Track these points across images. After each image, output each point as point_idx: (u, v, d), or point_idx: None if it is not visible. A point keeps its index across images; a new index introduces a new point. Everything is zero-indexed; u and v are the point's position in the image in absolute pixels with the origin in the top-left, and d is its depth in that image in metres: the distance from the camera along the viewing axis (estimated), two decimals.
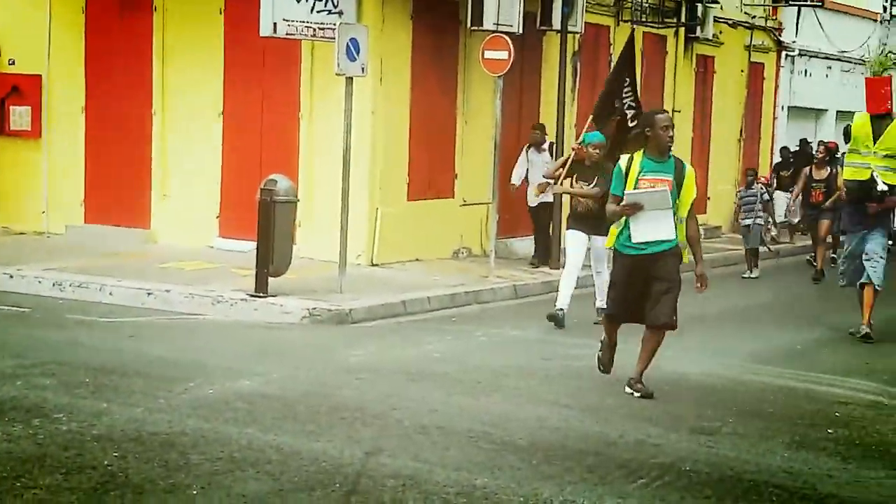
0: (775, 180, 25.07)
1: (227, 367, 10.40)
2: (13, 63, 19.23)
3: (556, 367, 11.18)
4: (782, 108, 28.92)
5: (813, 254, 20.40)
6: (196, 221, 17.90)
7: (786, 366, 11.80)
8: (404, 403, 9.31)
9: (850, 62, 31.42)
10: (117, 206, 18.57)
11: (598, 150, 13.55)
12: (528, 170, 18.11)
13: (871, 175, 13.34)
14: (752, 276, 19.48)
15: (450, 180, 18.54)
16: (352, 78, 14.50)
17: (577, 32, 19.38)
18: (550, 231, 18.13)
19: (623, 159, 10.06)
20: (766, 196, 20.17)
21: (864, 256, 13.63)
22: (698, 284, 9.90)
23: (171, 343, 11.73)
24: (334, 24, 14.99)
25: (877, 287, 13.52)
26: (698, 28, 23.98)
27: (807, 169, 20.39)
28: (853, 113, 32.77)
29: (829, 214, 19.14)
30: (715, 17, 24.27)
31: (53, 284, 14.34)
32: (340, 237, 14.41)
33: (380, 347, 11.92)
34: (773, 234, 21.54)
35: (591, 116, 14.81)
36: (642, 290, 9.86)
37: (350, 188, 14.57)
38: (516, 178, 18.21)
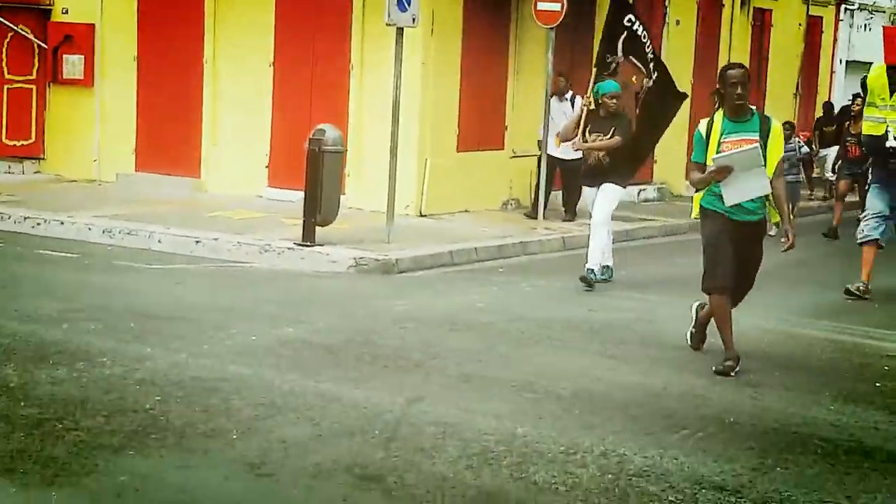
0: (818, 137, 24.52)
1: (272, 315, 10.41)
2: (66, 12, 19.28)
3: (601, 319, 11.10)
4: (840, 62, 28.51)
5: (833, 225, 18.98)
6: (245, 171, 17.91)
7: (834, 320, 11.66)
8: (447, 353, 9.28)
9: None
10: (168, 155, 18.62)
11: (614, 100, 13.02)
12: (550, 119, 16.93)
13: (886, 130, 12.65)
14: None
15: (500, 132, 18.40)
16: (402, 29, 14.40)
17: None
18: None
19: (702, 123, 9.40)
20: (804, 151, 19.45)
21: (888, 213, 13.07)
22: (785, 239, 9.45)
23: (217, 290, 11.76)
24: None
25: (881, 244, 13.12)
26: None
27: (846, 124, 19.81)
28: None
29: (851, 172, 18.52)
30: None
31: (103, 231, 14.41)
32: (389, 187, 14.35)
33: (425, 297, 11.88)
34: (812, 192, 21.05)
35: (594, 68, 14.00)
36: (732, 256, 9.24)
37: (399, 139, 14.51)
38: (540, 129, 17.50)
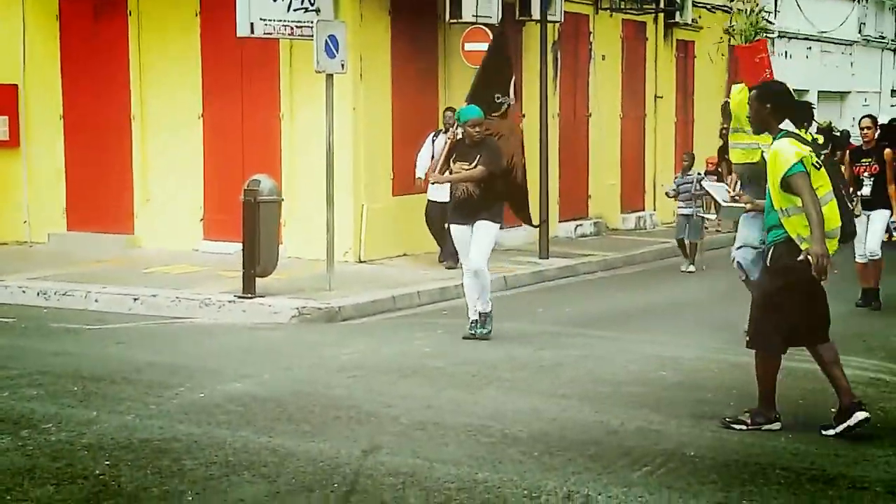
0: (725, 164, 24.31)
1: (218, 370, 10.24)
2: None
3: (549, 358, 11.03)
4: None
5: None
6: (180, 225, 17.72)
7: None
8: (398, 400, 9.16)
9: (831, 42, 31.42)
10: (100, 213, 18.38)
11: (476, 128, 11.89)
12: (433, 158, 15.26)
13: (762, 156, 11.03)
14: (688, 270, 17.62)
15: None
16: (332, 75, 14.35)
17: (556, 22, 19.23)
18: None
19: (792, 152, 8.14)
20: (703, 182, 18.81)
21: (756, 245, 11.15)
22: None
23: (160, 348, 11.55)
24: (312, 22, 14.81)
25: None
26: (677, 13, 23.88)
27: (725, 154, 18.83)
28: (835, 93, 32.89)
29: None
30: (693, 1, 24.17)
31: (38, 293, 14.15)
32: (327, 235, 14.26)
33: (370, 344, 11.75)
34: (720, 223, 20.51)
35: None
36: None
37: (335, 185, 14.42)
38: (420, 171, 16.37)
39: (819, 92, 31.23)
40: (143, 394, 9.20)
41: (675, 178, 18.73)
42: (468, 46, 16.85)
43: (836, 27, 31.15)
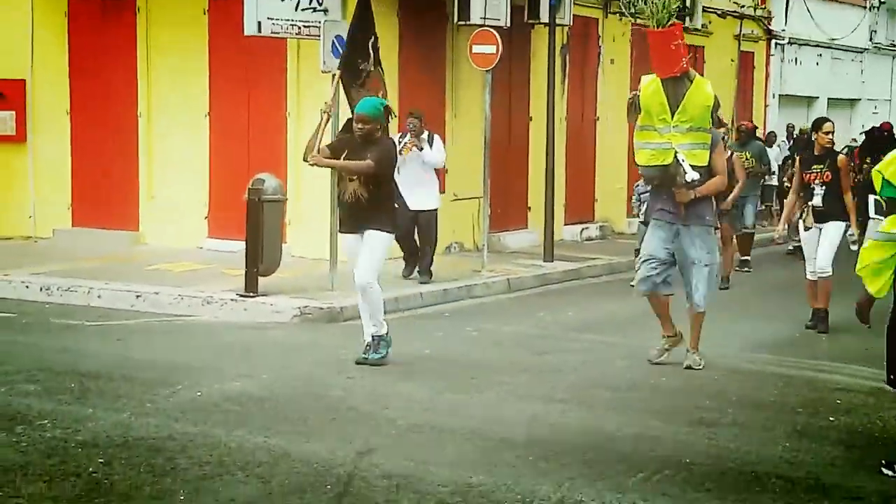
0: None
1: (216, 369, 10.22)
2: None
3: (550, 362, 11.01)
4: (773, 96, 28.79)
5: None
6: (184, 222, 17.71)
7: (780, 354, 11.62)
8: (396, 402, 9.14)
9: (841, 49, 31.33)
10: (105, 209, 18.38)
11: (360, 125, 10.43)
12: (402, 165, 14.48)
13: (675, 157, 10.30)
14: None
15: (440, 175, 18.34)
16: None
17: (565, 25, 19.17)
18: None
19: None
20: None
21: (688, 263, 10.62)
22: None
23: (159, 346, 11.53)
24: (319, 22, 14.81)
25: (698, 308, 10.71)
26: (687, 18, 23.80)
27: None
28: (845, 101, 32.75)
29: (732, 211, 16.04)
30: (703, 6, 24.08)
31: (41, 289, 14.13)
32: (331, 235, 14.20)
33: None
34: None
35: (338, 77, 12.60)
36: None
37: None
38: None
39: (829, 99, 31.15)
40: (141, 391, 9.18)
41: (637, 185, 16.20)
42: (476, 49, 16.80)
43: (846, 34, 31.04)
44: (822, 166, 13.05)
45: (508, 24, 17.28)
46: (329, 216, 14.21)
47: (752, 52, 27.68)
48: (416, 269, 15.47)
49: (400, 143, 14.65)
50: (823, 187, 13.00)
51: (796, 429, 8.57)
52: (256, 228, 13.45)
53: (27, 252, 17.19)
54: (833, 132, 13.32)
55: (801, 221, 13.28)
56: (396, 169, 13.51)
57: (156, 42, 17.99)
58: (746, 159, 17.51)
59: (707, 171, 10.50)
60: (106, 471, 7.17)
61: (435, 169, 15.66)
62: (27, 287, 14.26)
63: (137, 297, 13.69)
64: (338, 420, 8.54)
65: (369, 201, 10.42)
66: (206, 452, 7.55)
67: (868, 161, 19.26)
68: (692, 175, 10.25)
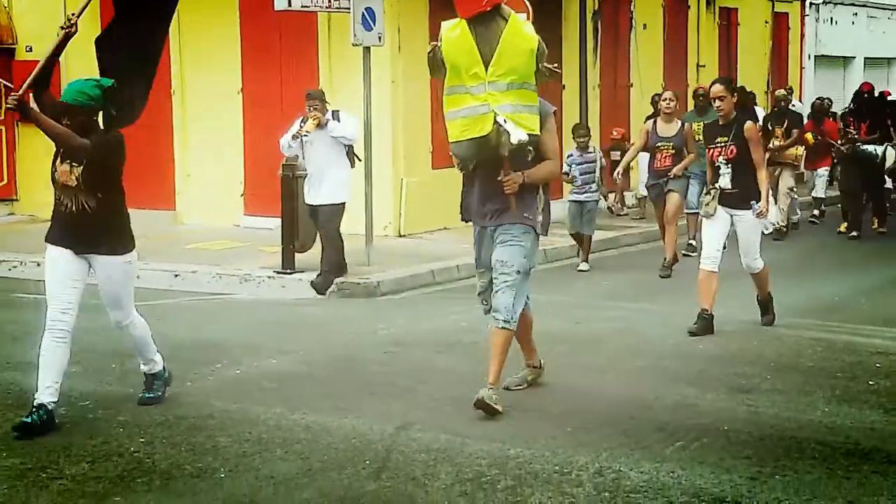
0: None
1: (255, 347, 10.28)
2: (30, 50, 19.13)
3: (588, 331, 11.00)
4: (809, 57, 28.55)
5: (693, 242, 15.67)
6: (221, 200, 17.79)
7: (820, 318, 11.56)
8: (434, 376, 9.17)
9: (877, 7, 31.00)
10: (141, 189, 18.33)
11: (67, 120, 7.97)
12: (307, 151, 13.43)
13: (496, 121, 7.74)
14: (582, 269, 14.97)
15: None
16: (369, 48, 14.31)
17: None
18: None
19: None
20: (604, 163, 15.78)
21: (493, 269, 8.19)
22: None
23: (198, 325, 11.61)
24: None
25: (503, 324, 8.08)
26: None
27: (649, 123, 15.41)
28: (882, 59, 32.28)
29: (680, 184, 14.57)
30: None
31: None
32: (366, 209, 14.24)
33: (408, 320, 11.77)
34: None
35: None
36: None
37: (373, 159, 14.40)
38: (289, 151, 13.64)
39: (865, 59, 30.86)
40: (181, 371, 9.22)
41: (569, 156, 15.06)
42: None
43: None
44: (725, 139, 10.63)
45: None
46: (364, 190, 14.23)
47: (787, 13, 27.45)
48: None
49: (301, 126, 13.30)
50: (729, 165, 10.60)
51: (835, 393, 8.55)
52: (292, 205, 13.48)
53: None
54: (721, 96, 10.57)
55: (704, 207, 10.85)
56: (302, 155, 13.10)
57: (187, 19, 17.96)
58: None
59: (536, 156, 8.16)
60: (147, 450, 7.24)
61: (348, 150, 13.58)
62: None
63: (176, 276, 13.78)
64: (376, 394, 8.58)
65: (95, 213, 8.07)
66: (245, 430, 7.61)
67: (864, 126, 18.21)
68: (518, 135, 7.70)
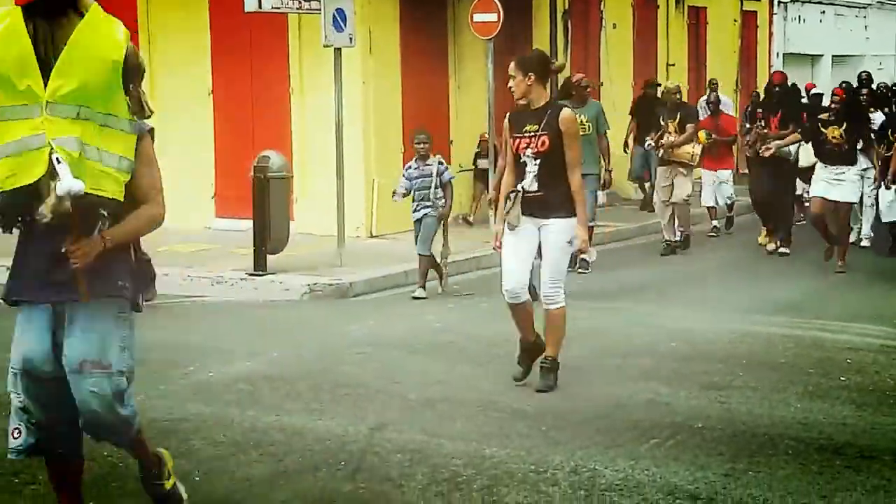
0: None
1: (228, 349, 10.25)
2: None
3: None
4: (777, 55, 28.70)
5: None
6: (191, 202, 17.69)
7: (788, 315, 11.62)
8: (407, 376, 9.16)
9: (844, 6, 31.19)
10: None
11: None
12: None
13: (51, 161, 5.03)
14: (419, 295, 12.92)
15: (445, 147, 18.32)
16: (340, 49, 14.32)
17: None
18: None
19: None
20: (447, 175, 13.25)
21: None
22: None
23: (170, 327, 11.55)
24: None
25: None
26: None
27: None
28: (849, 57, 32.51)
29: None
30: None
31: None
32: (338, 210, 14.25)
33: (381, 320, 11.76)
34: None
35: None
36: None
37: (345, 160, 14.42)
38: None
39: (833, 56, 31.04)
40: (153, 374, 9.18)
41: (406, 168, 13.41)
42: (477, 18, 16.78)
43: None
44: (536, 127, 8.53)
45: None
46: (335, 192, 14.23)
47: (755, 12, 27.60)
48: None
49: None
50: (537, 161, 8.51)
51: (807, 390, 8.59)
52: (263, 206, 13.47)
53: None
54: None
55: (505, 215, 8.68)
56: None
57: (156, 20, 17.99)
58: (581, 124, 12.10)
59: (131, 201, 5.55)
60: (121, 454, 7.18)
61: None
62: None
63: None
64: (350, 396, 8.57)
65: None
66: (219, 433, 7.58)
67: (774, 120, 16.05)
68: (71, 184, 5.01)
